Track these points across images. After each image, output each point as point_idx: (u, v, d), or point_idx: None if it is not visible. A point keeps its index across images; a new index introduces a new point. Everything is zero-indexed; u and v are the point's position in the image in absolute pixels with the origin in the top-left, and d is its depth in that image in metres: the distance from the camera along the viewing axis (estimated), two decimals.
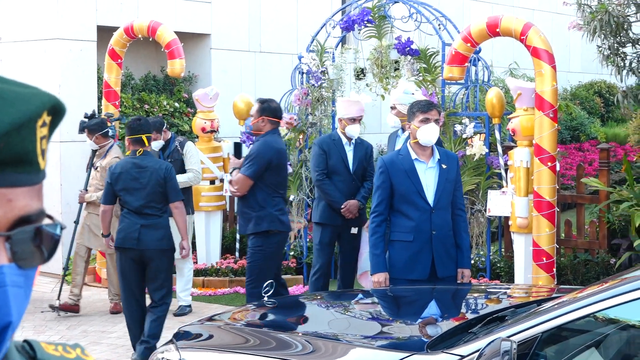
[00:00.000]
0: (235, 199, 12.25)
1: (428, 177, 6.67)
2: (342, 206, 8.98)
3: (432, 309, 6.06)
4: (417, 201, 6.61)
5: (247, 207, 8.31)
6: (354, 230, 9.17)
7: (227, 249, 12.27)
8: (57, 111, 1.26)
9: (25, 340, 1.34)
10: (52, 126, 1.27)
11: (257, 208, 8.25)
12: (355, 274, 9.38)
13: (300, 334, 5.00)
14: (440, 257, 6.65)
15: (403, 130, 8.77)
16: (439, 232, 6.63)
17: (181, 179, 9.63)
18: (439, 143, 7.88)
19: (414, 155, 6.68)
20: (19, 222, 1.21)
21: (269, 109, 8.37)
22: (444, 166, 6.69)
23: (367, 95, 9.71)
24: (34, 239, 1.22)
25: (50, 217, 1.26)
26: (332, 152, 9.08)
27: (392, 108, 8.97)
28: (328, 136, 9.47)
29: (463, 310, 5.87)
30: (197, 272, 11.32)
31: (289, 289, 10.91)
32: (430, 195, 6.64)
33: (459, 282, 6.69)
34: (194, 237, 12.07)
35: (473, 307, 5.87)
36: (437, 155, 6.72)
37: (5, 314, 1.19)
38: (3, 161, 1.19)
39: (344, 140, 9.13)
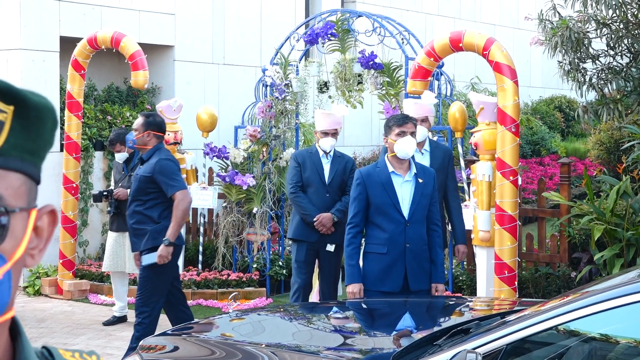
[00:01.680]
0: (198, 210, 12.24)
1: (404, 190, 6.70)
2: (314, 219, 8.78)
3: (398, 321, 6.09)
4: (392, 214, 6.64)
5: (140, 222, 7.91)
6: (330, 248, 8.90)
7: (189, 260, 12.24)
8: (15, 100, 1.28)
9: (44, 347, 1.37)
10: (19, 117, 1.29)
11: (152, 223, 7.89)
12: (337, 292, 9.17)
13: (264, 345, 5.01)
14: (413, 270, 6.66)
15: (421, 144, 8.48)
16: (412, 246, 6.65)
17: None
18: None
19: (390, 168, 6.70)
20: None
21: (154, 124, 8.02)
22: (420, 180, 6.71)
23: (344, 107, 9.60)
24: None
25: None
26: (307, 165, 8.92)
27: (424, 120, 8.71)
28: (306, 149, 9.31)
29: (428, 322, 5.91)
30: None
31: (253, 301, 10.91)
32: (405, 209, 6.66)
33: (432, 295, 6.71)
34: None
35: (437, 320, 5.91)
36: (413, 169, 6.75)
37: None
38: None
39: (321, 152, 8.96)
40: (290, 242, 9.35)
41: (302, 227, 8.89)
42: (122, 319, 10.14)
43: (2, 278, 1.27)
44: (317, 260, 9.04)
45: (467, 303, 6.49)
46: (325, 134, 8.86)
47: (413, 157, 6.93)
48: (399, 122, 6.72)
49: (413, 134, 6.73)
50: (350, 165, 9.05)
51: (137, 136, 8.07)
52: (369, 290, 6.69)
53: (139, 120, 8.10)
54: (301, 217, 8.88)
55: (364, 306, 6.44)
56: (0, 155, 1.29)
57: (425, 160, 8.04)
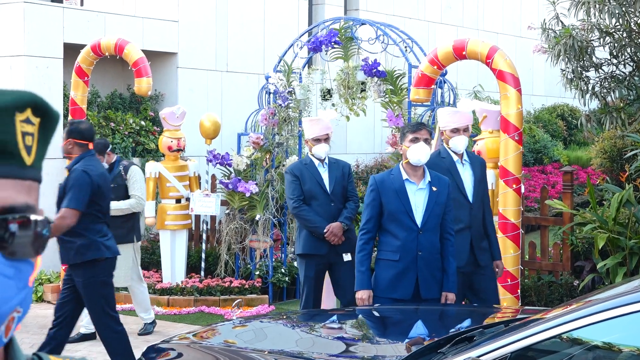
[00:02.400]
0: (201, 217, 12.24)
1: (417, 198, 6.67)
2: (325, 230, 8.43)
3: (402, 328, 6.09)
4: (405, 221, 6.61)
5: (68, 235, 7.45)
6: (347, 257, 8.54)
7: (192, 267, 12.25)
8: (44, 112, 1.30)
9: (35, 354, 1.38)
10: (43, 128, 1.31)
11: (79, 236, 7.45)
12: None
13: (267, 352, 5.01)
14: (425, 278, 6.63)
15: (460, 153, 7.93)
16: (424, 254, 6.62)
17: (122, 205, 9.29)
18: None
19: (404, 176, 6.67)
20: (2, 213, 1.25)
21: (77, 131, 7.52)
22: (434, 188, 6.68)
23: (331, 111, 9.52)
24: (20, 230, 1.26)
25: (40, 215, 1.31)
26: (305, 177, 8.62)
27: (466, 130, 7.91)
28: (299, 161, 9.04)
29: (432, 330, 5.91)
30: (162, 291, 11.29)
31: (255, 308, 10.91)
32: (418, 216, 6.63)
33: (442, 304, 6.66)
34: (159, 256, 12.04)
35: (441, 327, 5.91)
36: (428, 177, 6.71)
37: (4, 300, 1.23)
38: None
39: (316, 162, 8.68)
40: (296, 257, 9.01)
41: (311, 241, 8.55)
42: (150, 325, 10.02)
43: (31, 285, 1.29)
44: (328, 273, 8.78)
45: (471, 311, 6.49)
46: (318, 140, 8.62)
47: (429, 164, 6.82)
48: (413, 129, 6.70)
49: (427, 140, 6.68)
50: (347, 170, 8.86)
51: (62, 144, 7.61)
52: (380, 297, 6.67)
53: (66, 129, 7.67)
54: (309, 230, 8.51)
55: (368, 313, 6.44)
56: (32, 167, 1.32)
57: (467, 171, 7.56)
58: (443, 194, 6.72)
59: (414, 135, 6.65)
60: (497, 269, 7.56)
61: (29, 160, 1.30)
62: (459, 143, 7.52)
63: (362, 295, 6.68)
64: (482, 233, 7.49)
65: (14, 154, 1.28)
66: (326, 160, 8.72)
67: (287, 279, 11.57)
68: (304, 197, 8.59)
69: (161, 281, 11.63)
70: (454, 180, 7.34)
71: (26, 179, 1.31)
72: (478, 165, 7.61)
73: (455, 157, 7.59)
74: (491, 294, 7.49)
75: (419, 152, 6.61)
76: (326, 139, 8.66)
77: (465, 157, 7.60)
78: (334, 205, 8.61)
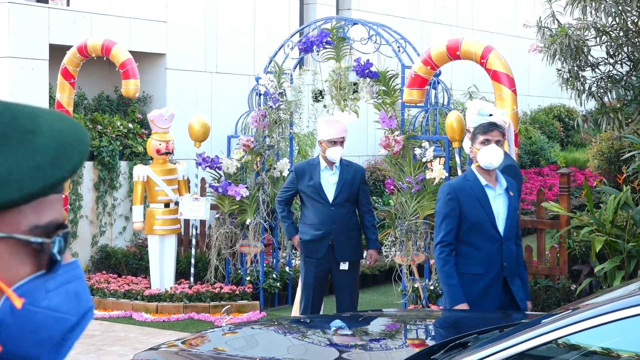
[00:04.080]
0: (190, 222, 12.22)
1: (497, 204, 6.47)
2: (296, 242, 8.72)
3: (395, 335, 6.08)
4: (489, 231, 6.40)
5: None
6: (344, 266, 8.59)
7: (181, 273, 12.23)
8: None
9: None
10: None
11: None
12: (356, 307, 8.82)
13: (258, 359, 5.00)
14: (509, 289, 6.47)
15: None
16: (508, 264, 6.44)
17: None
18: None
19: (484, 181, 6.47)
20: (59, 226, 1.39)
21: None
22: (511, 193, 6.49)
23: (349, 113, 9.48)
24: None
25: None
26: (305, 177, 8.64)
27: (467, 131, 7.80)
28: (307, 161, 9.02)
29: (424, 336, 5.90)
30: (151, 298, 11.27)
31: (246, 314, 10.90)
32: (500, 225, 6.44)
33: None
34: (147, 262, 12.03)
35: (435, 333, 5.91)
36: (503, 181, 6.51)
37: (88, 300, 1.41)
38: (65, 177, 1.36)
39: (323, 164, 8.64)
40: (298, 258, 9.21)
41: (310, 244, 8.61)
42: None
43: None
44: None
45: (465, 316, 6.48)
46: (334, 142, 8.56)
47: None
48: (484, 130, 6.52)
49: (499, 142, 6.49)
50: (360, 174, 8.75)
51: None
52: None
53: None
54: (303, 228, 8.70)
55: (359, 320, 6.43)
56: None
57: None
58: (517, 199, 6.54)
59: (485, 136, 6.47)
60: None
61: None
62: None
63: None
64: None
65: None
66: (337, 164, 8.65)
67: (278, 284, 11.55)
68: (289, 198, 8.82)
69: (150, 287, 11.61)
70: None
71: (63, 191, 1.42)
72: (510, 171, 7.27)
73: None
74: None
75: (490, 155, 6.41)
76: (342, 142, 8.62)
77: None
78: (334, 210, 8.58)
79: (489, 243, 6.41)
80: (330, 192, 8.60)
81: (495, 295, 6.44)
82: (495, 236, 6.42)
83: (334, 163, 8.63)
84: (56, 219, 1.37)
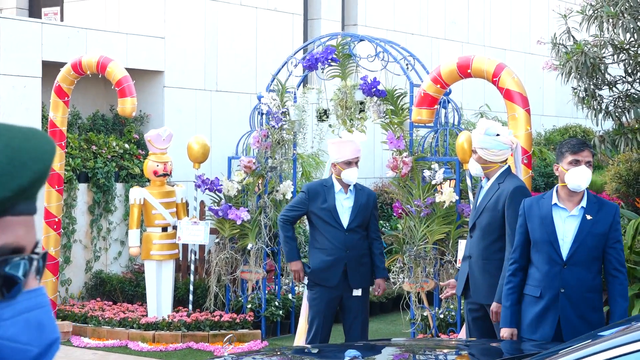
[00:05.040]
0: (189, 246, 12.22)
1: (567, 226, 6.37)
2: (301, 275, 8.61)
3: None
4: (548, 252, 6.34)
5: None
6: (357, 292, 8.50)
7: (179, 300, 12.22)
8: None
9: None
10: None
11: None
12: (367, 337, 8.70)
13: None
14: (568, 320, 6.32)
15: (487, 179, 7.54)
16: (569, 291, 6.31)
17: None
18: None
19: (554, 200, 6.40)
20: (33, 249, 1.38)
21: None
22: (588, 217, 6.34)
23: (361, 133, 9.43)
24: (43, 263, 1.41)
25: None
26: (318, 200, 8.52)
27: (473, 152, 7.67)
28: (320, 181, 8.93)
29: None
30: (147, 326, 11.26)
31: (247, 344, 10.89)
32: (565, 247, 6.33)
33: None
34: (143, 288, 12.02)
35: None
36: (583, 203, 6.39)
37: (52, 330, 1.39)
38: (34, 194, 1.36)
39: (337, 187, 8.54)
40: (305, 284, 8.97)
41: (321, 269, 8.52)
42: None
43: None
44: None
45: (489, 345, 6.46)
46: (349, 164, 8.46)
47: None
48: (574, 149, 6.42)
49: (589, 163, 6.41)
50: (372, 199, 8.68)
51: None
52: (522, 338, 6.42)
53: None
54: (314, 254, 8.59)
55: (366, 349, 6.42)
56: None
57: (482, 195, 7.48)
58: (603, 224, 6.35)
59: (575, 157, 6.40)
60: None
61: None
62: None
63: (505, 334, 6.47)
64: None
65: (36, 194, 1.42)
66: (351, 188, 8.58)
67: (281, 312, 11.55)
68: (295, 218, 8.69)
69: (146, 315, 11.61)
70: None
71: (35, 213, 1.42)
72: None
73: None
74: None
75: (579, 177, 6.34)
76: (357, 162, 8.55)
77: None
78: (349, 235, 8.50)
79: (547, 265, 6.35)
80: (345, 217, 8.51)
81: (549, 323, 6.35)
82: (556, 259, 6.33)
83: (349, 186, 8.56)
84: (10, 243, 1.33)
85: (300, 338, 9.50)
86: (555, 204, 6.39)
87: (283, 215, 8.68)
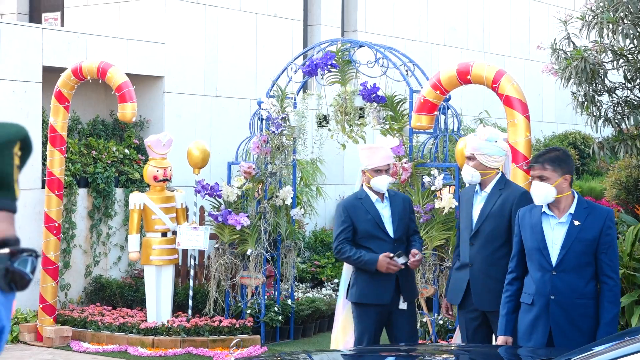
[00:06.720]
0: (188, 252, 12.22)
1: (556, 233, 6.40)
2: (390, 256, 7.80)
3: None
4: (538, 259, 6.38)
5: None
6: (403, 305, 7.99)
7: (179, 306, 12.22)
8: (26, 145, 1.37)
9: None
10: (22, 160, 1.37)
11: None
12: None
13: None
14: (559, 327, 6.33)
15: (480, 185, 7.54)
16: (559, 298, 6.31)
17: None
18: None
19: (543, 208, 6.45)
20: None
21: None
22: (576, 223, 6.37)
23: (392, 138, 9.30)
24: (9, 272, 1.35)
25: (25, 250, 1.37)
26: (359, 215, 8.01)
27: (470, 158, 7.58)
28: (353, 196, 8.32)
29: None
30: (147, 331, 11.26)
31: (246, 349, 10.88)
32: (554, 254, 6.35)
33: None
34: (143, 294, 12.02)
35: None
36: (572, 210, 6.42)
37: None
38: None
39: (373, 197, 8.09)
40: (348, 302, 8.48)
41: (371, 287, 7.92)
42: None
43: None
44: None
45: (488, 350, 6.46)
46: (378, 171, 8.04)
47: (577, 195, 6.52)
48: (529, 167, 6.60)
49: (540, 178, 6.40)
50: (407, 203, 8.27)
51: None
52: (519, 345, 6.46)
53: None
54: (360, 269, 7.97)
55: (361, 356, 6.41)
56: (17, 199, 1.42)
57: (482, 203, 7.46)
58: (591, 230, 6.35)
59: (531, 174, 6.53)
60: None
61: (18, 193, 1.36)
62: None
63: (500, 342, 6.53)
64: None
65: (10, 187, 1.35)
66: (386, 195, 8.16)
67: (280, 318, 11.54)
68: (351, 238, 8.01)
69: (145, 320, 11.60)
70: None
71: (14, 212, 1.38)
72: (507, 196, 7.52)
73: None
74: None
75: (534, 195, 6.46)
76: (387, 169, 8.13)
77: (487, 188, 7.54)
78: (397, 246, 7.98)
79: (539, 273, 6.38)
80: (389, 227, 8.03)
81: (541, 330, 6.36)
82: (545, 266, 6.35)
83: (384, 194, 8.14)
84: None
85: (338, 341, 9.17)
86: (544, 212, 6.44)
87: (338, 243, 8.02)
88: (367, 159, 8.10)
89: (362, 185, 8.31)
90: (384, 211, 8.06)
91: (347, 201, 8.23)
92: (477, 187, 7.56)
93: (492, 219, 7.30)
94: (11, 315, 1.39)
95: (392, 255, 7.81)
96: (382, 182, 8.03)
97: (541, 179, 6.39)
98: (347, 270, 8.63)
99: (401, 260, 7.80)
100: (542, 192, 6.38)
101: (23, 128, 1.38)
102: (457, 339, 8.11)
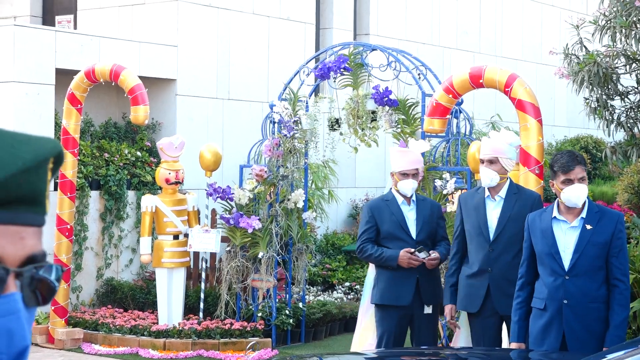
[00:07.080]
0: (200, 254, 12.23)
1: (568, 238, 6.38)
2: (411, 251, 7.84)
3: None
4: (550, 264, 6.36)
5: None
6: (428, 310, 7.96)
7: (190, 308, 12.23)
8: (60, 159, 1.38)
9: None
10: (53, 173, 1.39)
11: None
12: None
13: None
14: (573, 331, 6.31)
15: (491, 191, 7.51)
16: (572, 302, 6.29)
17: None
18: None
19: (554, 213, 6.42)
20: (27, 262, 1.35)
21: None
22: (588, 227, 6.35)
23: (423, 142, 9.27)
24: (34, 280, 1.37)
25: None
26: (384, 216, 8.07)
27: (492, 162, 7.51)
28: (380, 197, 8.45)
29: None
30: (158, 334, 11.27)
31: (257, 352, 10.88)
32: (566, 259, 6.34)
33: None
34: (154, 296, 12.03)
35: None
36: (583, 214, 6.39)
37: (22, 338, 1.34)
38: (20, 198, 1.32)
39: (400, 199, 8.13)
40: (369, 306, 8.49)
41: (392, 290, 7.93)
42: None
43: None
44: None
45: (501, 353, 6.45)
46: (405, 175, 8.09)
47: (588, 199, 6.51)
48: (564, 169, 6.39)
49: (582, 179, 6.38)
50: (436, 209, 8.30)
51: None
52: (544, 350, 6.41)
53: None
54: (384, 266, 7.99)
55: (372, 359, 6.41)
56: (46, 214, 1.40)
57: (498, 208, 7.42)
58: (603, 233, 6.35)
59: (567, 176, 6.37)
60: None
61: (48, 207, 1.38)
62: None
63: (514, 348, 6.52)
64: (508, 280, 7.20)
65: (42, 203, 1.37)
66: (413, 198, 8.17)
67: (291, 321, 11.54)
68: (375, 239, 8.07)
69: (157, 323, 11.61)
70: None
71: (43, 225, 1.40)
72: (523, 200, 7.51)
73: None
74: None
75: (574, 196, 6.36)
76: (414, 174, 8.14)
77: (502, 192, 7.49)
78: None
79: (551, 277, 6.35)
80: (412, 229, 8.07)
81: (554, 335, 6.34)
82: (558, 271, 6.33)
83: (411, 197, 8.15)
84: None
85: (359, 343, 9.14)
86: (555, 217, 6.42)
87: (360, 242, 8.12)
88: (395, 161, 8.20)
89: (391, 188, 8.36)
90: (409, 214, 8.11)
91: (373, 202, 8.39)
92: (486, 193, 7.52)
93: (512, 223, 7.29)
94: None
95: (413, 250, 7.85)
96: (408, 186, 8.08)
97: (582, 180, 6.39)
98: (371, 274, 8.64)
99: (422, 255, 7.81)
100: (583, 194, 6.38)
101: (58, 144, 1.39)
102: (456, 342, 8.07)
